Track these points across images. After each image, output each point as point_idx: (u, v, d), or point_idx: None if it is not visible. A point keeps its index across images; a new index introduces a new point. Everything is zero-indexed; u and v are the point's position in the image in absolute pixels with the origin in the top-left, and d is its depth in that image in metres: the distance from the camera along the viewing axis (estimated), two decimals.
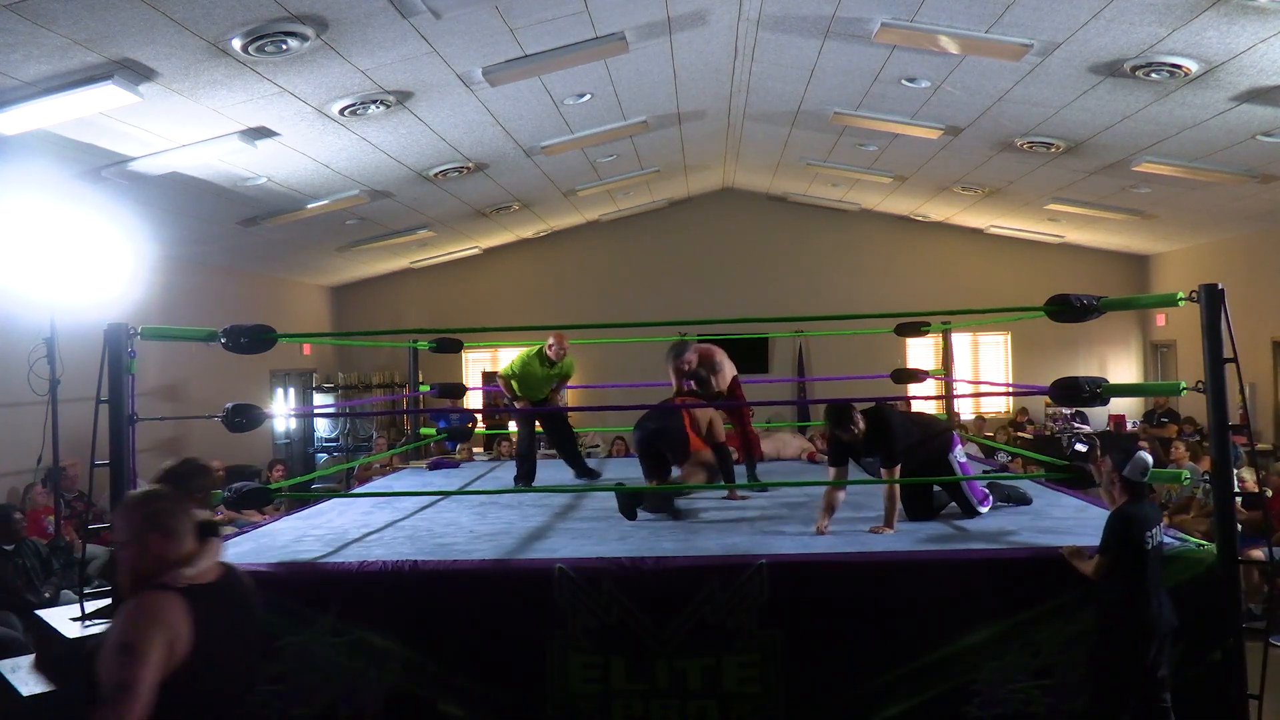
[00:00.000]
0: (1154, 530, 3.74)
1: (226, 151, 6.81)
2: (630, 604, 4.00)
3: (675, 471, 5.87)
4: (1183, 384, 4.32)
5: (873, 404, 5.04)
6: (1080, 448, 4.49)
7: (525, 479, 6.80)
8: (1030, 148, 8.57)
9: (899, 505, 4.81)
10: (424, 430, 8.87)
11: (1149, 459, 3.83)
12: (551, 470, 7.47)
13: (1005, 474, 6.54)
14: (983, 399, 13.58)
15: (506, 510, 5.56)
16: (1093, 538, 4.24)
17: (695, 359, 6.31)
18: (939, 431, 5.14)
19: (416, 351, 8.24)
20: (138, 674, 2.25)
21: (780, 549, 4.32)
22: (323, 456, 12.92)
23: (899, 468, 4.85)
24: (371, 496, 6.25)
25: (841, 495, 4.91)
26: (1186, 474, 5.00)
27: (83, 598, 4.20)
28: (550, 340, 6.82)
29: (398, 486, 6.93)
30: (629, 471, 6.59)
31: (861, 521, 4.95)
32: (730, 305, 13.56)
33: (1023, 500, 5.26)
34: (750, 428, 6.66)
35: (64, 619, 4.13)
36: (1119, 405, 12.78)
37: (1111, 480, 3.84)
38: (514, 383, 6.88)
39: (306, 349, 13.41)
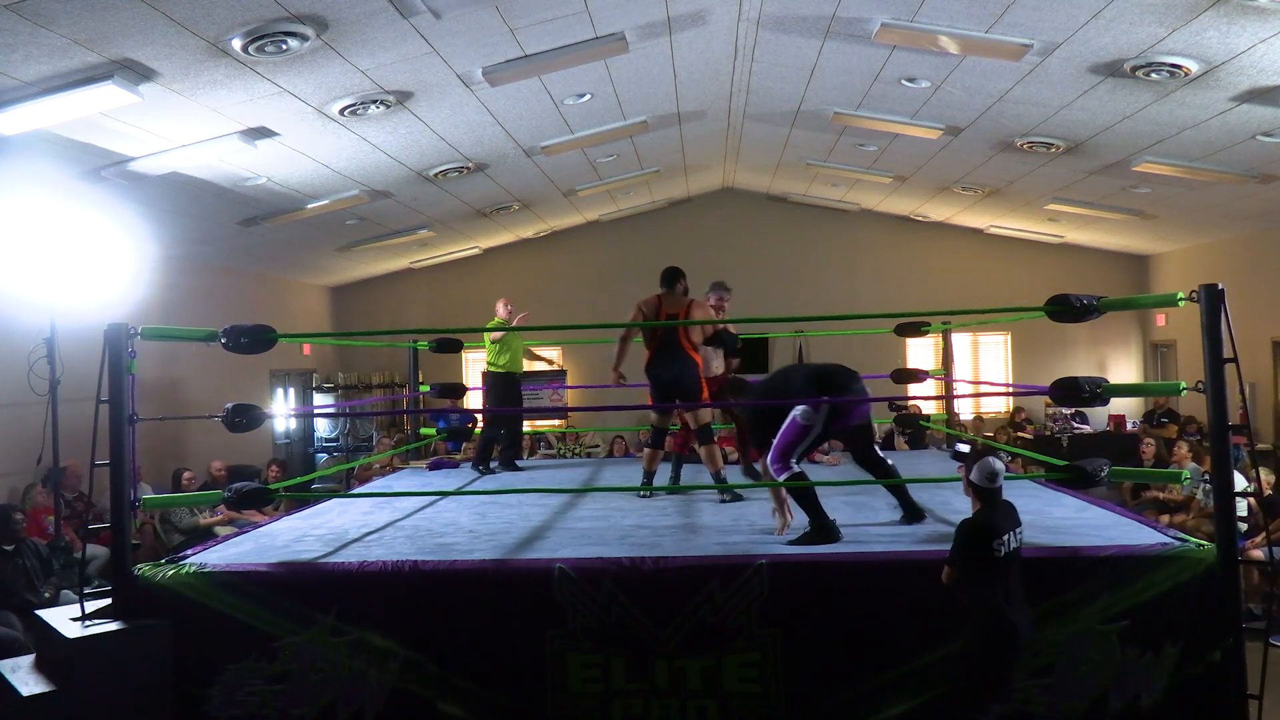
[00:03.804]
0: (1006, 537, 3.67)
1: (226, 151, 6.81)
2: (630, 604, 4.00)
3: None
4: (1183, 384, 4.32)
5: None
6: (962, 448, 4.49)
7: (484, 464, 7.50)
8: (1030, 148, 8.57)
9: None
10: (424, 430, 8.88)
11: (998, 464, 3.81)
12: (548, 471, 7.49)
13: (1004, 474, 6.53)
14: (982, 399, 13.57)
15: (506, 510, 5.56)
16: (1093, 538, 4.25)
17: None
18: (794, 385, 4.90)
19: (416, 351, 8.25)
20: None
21: (780, 549, 4.33)
22: (323, 456, 12.92)
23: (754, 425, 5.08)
24: (371, 496, 6.25)
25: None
26: (1187, 474, 4.99)
27: (83, 598, 4.19)
28: (498, 308, 7.92)
29: (398, 486, 6.94)
30: (627, 471, 6.61)
31: (863, 522, 4.95)
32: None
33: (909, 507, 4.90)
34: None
35: (64, 619, 4.12)
36: (1119, 405, 12.76)
37: (966, 487, 3.84)
38: (504, 356, 7.62)
39: (306, 349, 13.40)
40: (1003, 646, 3.60)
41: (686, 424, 6.24)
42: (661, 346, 5.99)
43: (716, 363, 6.60)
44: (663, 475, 6.32)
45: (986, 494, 3.77)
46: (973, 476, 3.78)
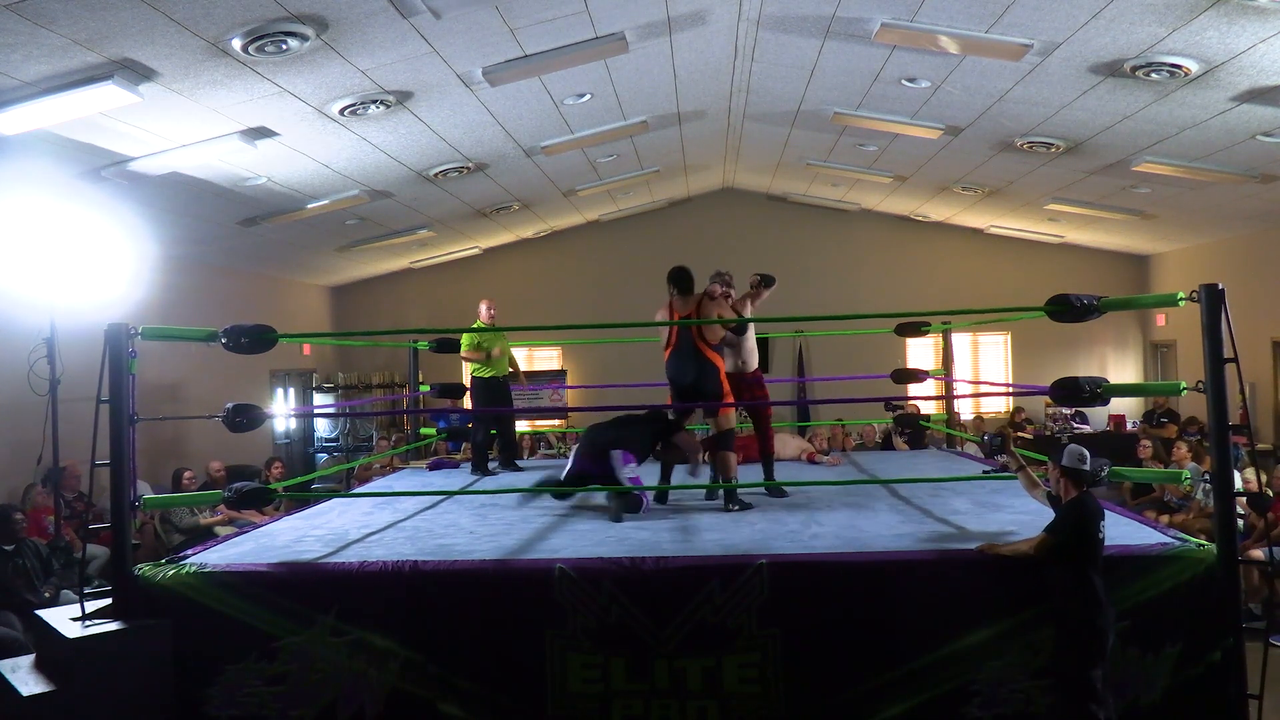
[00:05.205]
0: (1103, 522, 3.81)
1: (226, 151, 6.81)
2: (630, 604, 4.00)
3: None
4: (1183, 384, 4.33)
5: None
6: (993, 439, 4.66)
7: (483, 467, 7.44)
8: (1030, 148, 8.57)
9: None
10: (424, 430, 8.88)
11: (1082, 448, 3.94)
12: (541, 472, 7.47)
13: (1005, 474, 6.53)
14: (982, 399, 13.57)
15: (507, 510, 5.56)
16: None
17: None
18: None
19: (416, 351, 8.26)
20: None
21: (780, 549, 4.32)
22: (323, 456, 12.92)
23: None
24: (372, 497, 6.25)
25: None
26: (1187, 474, 5.00)
27: (83, 598, 4.19)
28: (480, 310, 7.70)
29: (398, 487, 6.93)
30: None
31: (863, 521, 4.95)
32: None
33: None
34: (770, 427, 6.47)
35: (64, 619, 4.12)
36: (1119, 405, 12.76)
37: (1058, 477, 3.94)
38: (490, 358, 7.51)
39: (306, 349, 13.40)
40: (1101, 627, 3.67)
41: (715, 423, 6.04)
42: (675, 350, 5.69)
43: (740, 360, 6.34)
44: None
45: (1082, 476, 3.87)
46: (1065, 462, 3.88)
